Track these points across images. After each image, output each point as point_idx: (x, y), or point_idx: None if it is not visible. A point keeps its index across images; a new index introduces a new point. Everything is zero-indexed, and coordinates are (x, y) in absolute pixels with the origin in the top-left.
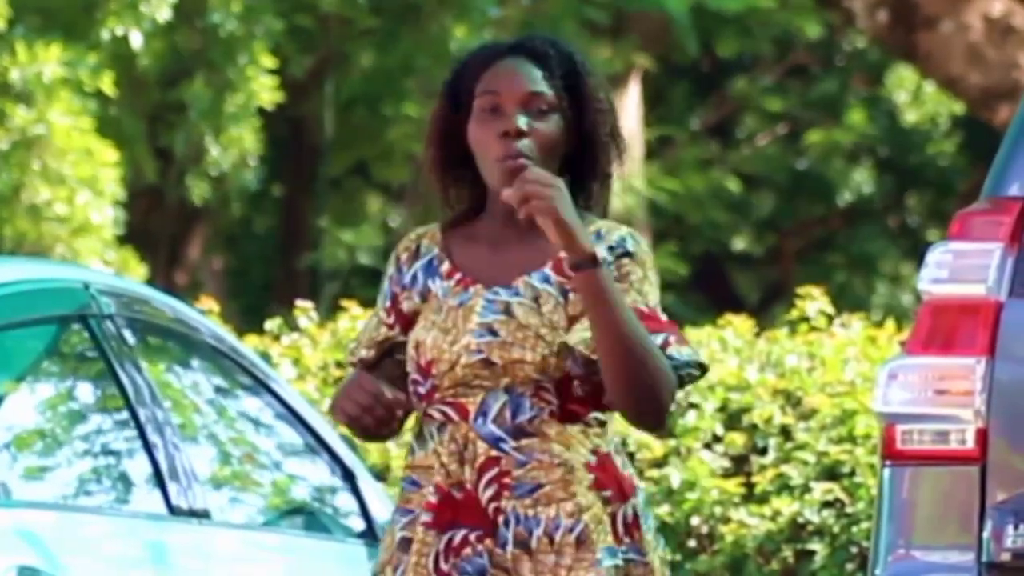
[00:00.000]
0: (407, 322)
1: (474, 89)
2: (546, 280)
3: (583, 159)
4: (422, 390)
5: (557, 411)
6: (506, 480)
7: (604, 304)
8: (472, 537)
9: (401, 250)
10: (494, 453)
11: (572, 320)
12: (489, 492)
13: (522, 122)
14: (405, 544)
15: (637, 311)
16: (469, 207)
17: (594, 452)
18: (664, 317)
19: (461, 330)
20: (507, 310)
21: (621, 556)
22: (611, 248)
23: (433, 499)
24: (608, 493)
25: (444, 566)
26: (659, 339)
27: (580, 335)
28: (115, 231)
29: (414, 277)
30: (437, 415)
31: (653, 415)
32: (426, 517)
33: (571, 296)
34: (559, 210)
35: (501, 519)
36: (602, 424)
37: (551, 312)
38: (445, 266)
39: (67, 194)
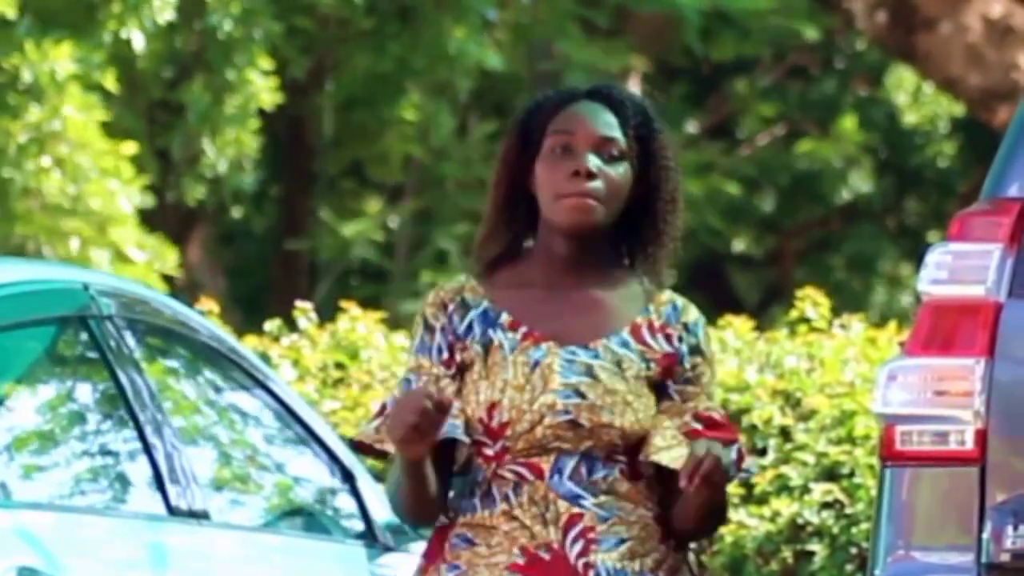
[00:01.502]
0: (461, 372)
1: (546, 128)
2: (625, 345)
3: (644, 214)
4: (489, 452)
5: (627, 469)
6: (591, 535)
7: (712, 501)
8: None
9: (446, 299)
10: (576, 510)
11: (653, 387)
12: (577, 548)
13: (593, 163)
14: None
15: (710, 419)
16: (506, 256)
17: (659, 504)
18: (731, 425)
19: (540, 389)
20: (590, 372)
21: None
22: (687, 329)
23: (520, 560)
24: (673, 542)
25: None
26: (734, 451)
27: (657, 455)
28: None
29: (469, 327)
30: (509, 475)
31: (700, 536)
32: None
33: (652, 366)
34: (729, 470)
35: (592, 573)
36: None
37: (635, 379)
38: (505, 317)
39: (95, 187)
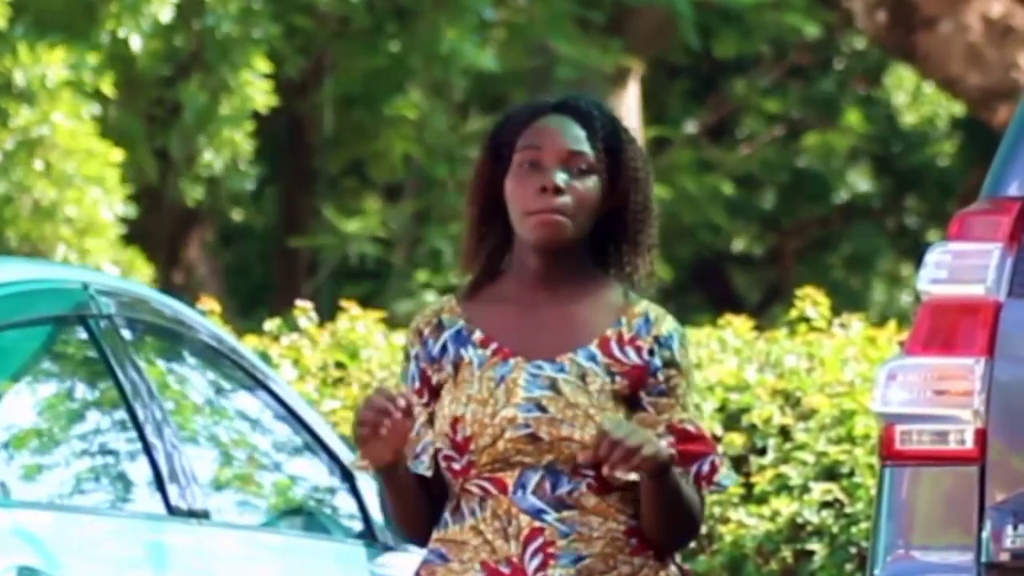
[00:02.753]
0: (437, 396)
1: (515, 143)
2: (592, 359)
3: (615, 222)
4: (457, 466)
5: (594, 483)
6: (551, 550)
7: (669, 495)
8: None
9: (422, 325)
10: (537, 524)
11: (618, 400)
12: (535, 563)
13: (561, 179)
14: None
15: (683, 431)
16: (484, 270)
17: (634, 516)
18: (705, 429)
19: (503, 403)
20: (554, 386)
21: None
22: (658, 343)
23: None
24: (651, 552)
25: None
26: (706, 463)
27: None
28: (120, 231)
29: (443, 348)
30: (475, 490)
31: (678, 547)
32: None
33: (618, 379)
34: (659, 457)
35: None
36: (636, 486)
37: (599, 392)
38: (477, 335)
39: (75, 194)
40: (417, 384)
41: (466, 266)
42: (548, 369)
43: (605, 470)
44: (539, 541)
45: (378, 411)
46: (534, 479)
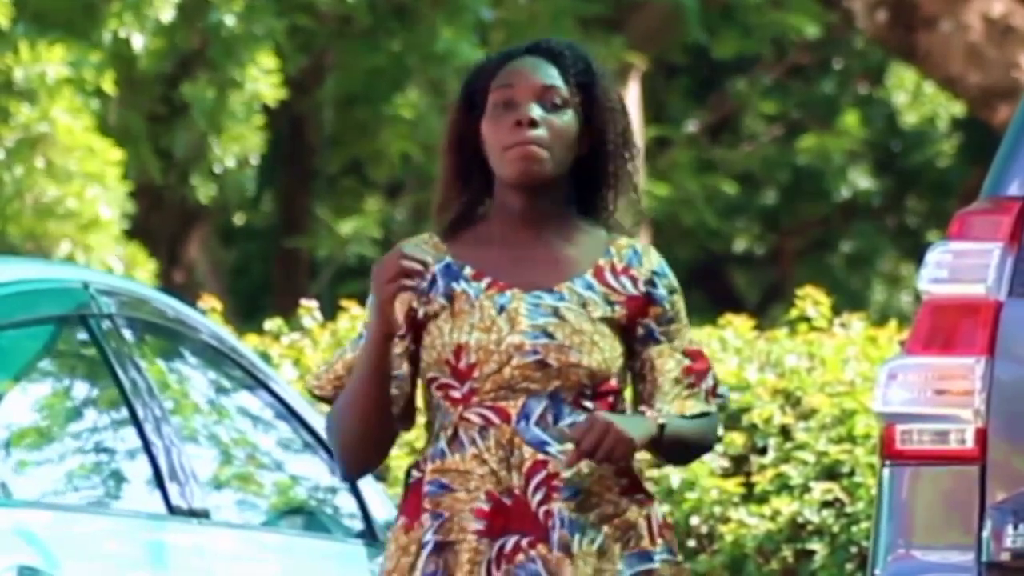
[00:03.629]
0: (418, 329)
1: (489, 88)
2: (589, 287)
3: (594, 163)
4: (456, 394)
5: None
6: (555, 482)
7: (670, 449)
8: (524, 543)
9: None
10: (540, 456)
11: (618, 329)
12: (539, 496)
13: (536, 112)
14: (440, 549)
15: (695, 352)
16: (463, 212)
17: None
18: (702, 352)
19: (507, 330)
20: (557, 313)
21: (657, 558)
22: (656, 273)
23: (485, 506)
24: (640, 496)
25: (496, 573)
26: (710, 379)
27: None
28: (123, 226)
29: (433, 280)
30: (476, 419)
31: (692, 460)
32: (477, 525)
33: (616, 307)
34: (632, 444)
35: (550, 522)
36: None
37: (600, 320)
38: (468, 270)
39: (76, 190)
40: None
41: (439, 214)
42: (548, 299)
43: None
44: (542, 474)
45: (404, 270)
46: (537, 409)
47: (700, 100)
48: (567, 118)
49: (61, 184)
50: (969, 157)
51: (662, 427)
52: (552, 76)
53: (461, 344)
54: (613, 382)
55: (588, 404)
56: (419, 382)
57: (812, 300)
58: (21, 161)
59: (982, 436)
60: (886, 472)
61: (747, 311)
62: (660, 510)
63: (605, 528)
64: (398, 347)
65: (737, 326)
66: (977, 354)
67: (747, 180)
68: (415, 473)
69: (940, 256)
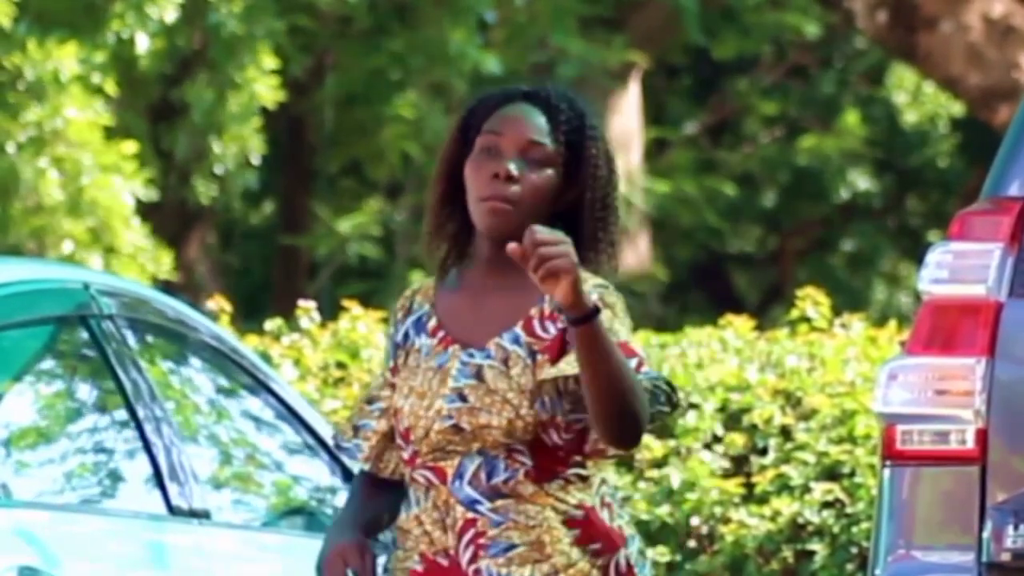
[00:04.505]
0: None
1: (481, 126)
2: (516, 341)
3: (573, 219)
4: (405, 455)
5: (532, 471)
6: (481, 540)
7: (601, 350)
8: None
9: (398, 307)
10: (470, 515)
11: (539, 382)
12: (468, 554)
13: (514, 167)
14: None
15: (619, 343)
16: (450, 256)
17: (579, 507)
18: (637, 347)
19: (435, 394)
20: (478, 374)
21: None
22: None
23: (419, 567)
24: (596, 546)
25: None
26: (633, 362)
27: (550, 370)
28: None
29: (406, 335)
30: (421, 479)
31: (632, 435)
32: None
33: (539, 358)
34: (575, 270)
35: None
36: (584, 479)
37: (519, 375)
38: (432, 323)
39: (98, 182)
40: (391, 363)
41: (427, 248)
42: (477, 356)
43: (534, 273)
44: (471, 532)
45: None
46: (471, 468)
47: (700, 100)
48: (546, 175)
49: (78, 179)
50: (969, 158)
51: (596, 310)
52: (541, 131)
53: (399, 408)
54: (551, 432)
55: (525, 460)
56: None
57: (812, 300)
58: (30, 159)
59: (982, 436)
60: (886, 472)
61: (747, 312)
62: (625, 553)
63: None
64: (383, 401)
65: (737, 327)
66: (977, 354)
67: (747, 180)
68: None
69: (940, 256)
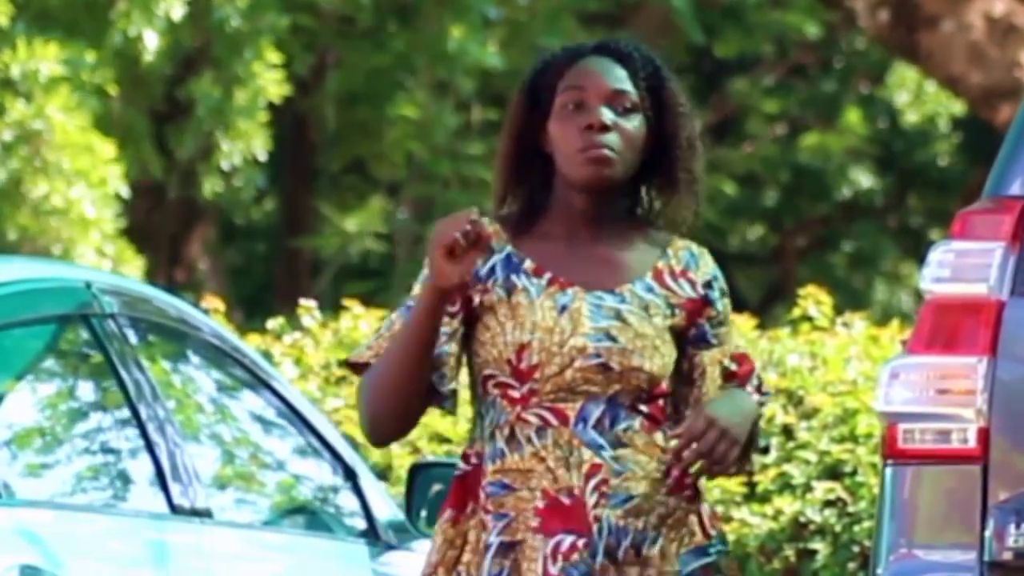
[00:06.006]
0: (471, 316)
1: (556, 87)
2: (650, 290)
3: (661, 165)
4: (516, 394)
5: (647, 422)
6: (604, 489)
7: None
8: (580, 544)
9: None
10: (597, 460)
11: (674, 333)
12: (592, 499)
13: (607, 116)
14: (505, 549)
15: (742, 356)
16: (525, 208)
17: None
18: (749, 356)
19: (569, 332)
20: (619, 316)
21: (713, 552)
22: (713, 278)
23: (541, 504)
24: (688, 492)
25: (552, 569)
26: (755, 379)
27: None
28: (115, 225)
29: (492, 270)
30: (533, 419)
31: (737, 469)
32: (533, 522)
33: (676, 311)
34: (736, 451)
35: (596, 527)
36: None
37: (661, 323)
38: (529, 263)
39: (63, 187)
40: (459, 302)
41: (497, 205)
42: (610, 300)
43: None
44: (598, 477)
45: (461, 229)
46: (595, 413)
47: (702, 100)
48: (637, 123)
49: (52, 181)
50: (971, 156)
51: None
52: (622, 79)
53: (523, 344)
54: (664, 385)
55: (643, 408)
56: (464, 370)
57: (814, 299)
58: (15, 157)
59: (984, 436)
60: (888, 471)
61: (749, 310)
62: (709, 504)
63: (663, 530)
64: (447, 325)
65: (739, 325)
66: (979, 354)
67: (749, 179)
68: (462, 465)
69: (942, 255)
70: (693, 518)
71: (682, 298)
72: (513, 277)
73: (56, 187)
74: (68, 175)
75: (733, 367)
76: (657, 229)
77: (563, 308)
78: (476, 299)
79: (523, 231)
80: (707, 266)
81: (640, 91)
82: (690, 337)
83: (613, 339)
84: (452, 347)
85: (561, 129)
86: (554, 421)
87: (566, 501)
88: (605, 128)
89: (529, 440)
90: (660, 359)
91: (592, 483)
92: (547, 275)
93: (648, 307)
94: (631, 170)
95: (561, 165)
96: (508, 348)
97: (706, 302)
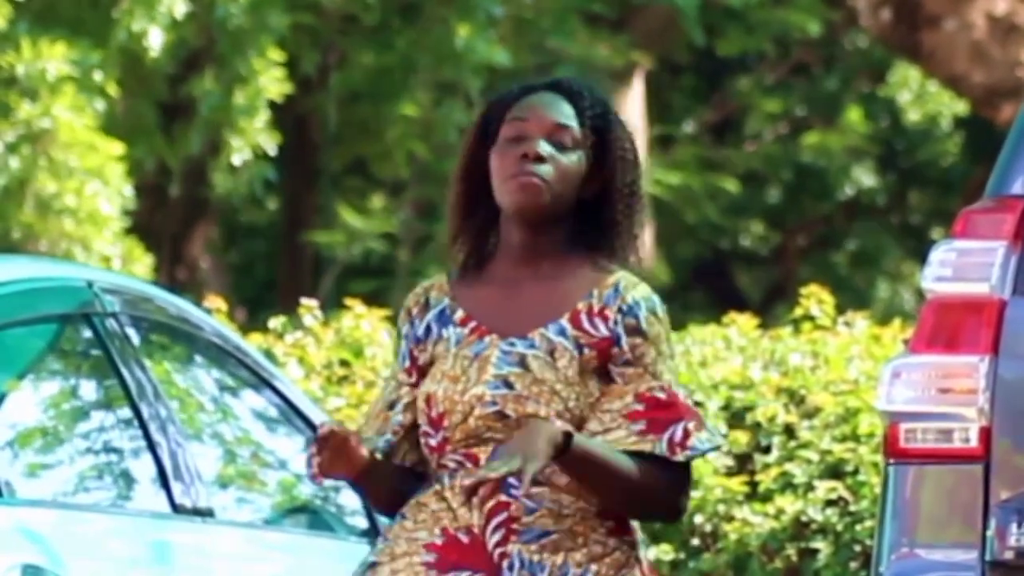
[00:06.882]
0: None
1: (503, 119)
2: (562, 333)
3: (601, 205)
4: (433, 442)
5: None
6: (514, 526)
7: (590, 467)
8: None
9: (411, 304)
10: (503, 498)
11: (586, 373)
12: (496, 537)
13: (544, 148)
14: (372, 568)
15: (651, 399)
16: (473, 254)
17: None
18: (682, 396)
19: (474, 380)
20: (522, 362)
21: None
22: (622, 312)
23: (438, 541)
24: (628, 538)
25: None
26: (679, 429)
27: (601, 439)
28: (122, 223)
29: (427, 328)
30: (451, 464)
31: (660, 520)
32: (428, 557)
33: (586, 351)
34: (535, 471)
35: (506, 563)
36: None
37: (566, 367)
38: (458, 314)
39: (75, 185)
40: (407, 363)
41: (451, 246)
42: (520, 345)
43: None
44: (503, 515)
45: (319, 446)
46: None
47: (704, 98)
48: (575, 159)
49: (61, 180)
50: (973, 155)
51: (568, 436)
52: (566, 115)
53: (431, 393)
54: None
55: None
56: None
57: (816, 298)
58: (21, 156)
59: (986, 435)
60: (890, 471)
61: (751, 309)
62: (646, 553)
63: (593, 567)
64: (406, 397)
65: (741, 324)
66: (981, 353)
67: (751, 178)
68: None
69: (944, 254)
70: (633, 562)
71: (594, 338)
72: (443, 330)
73: (67, 186)
74: (78, 174)
75: (637, 407)
76: (603, 260)
77: (475, 356)
78: (420, 359)
79: (470, 274)
80: (627, 297)
81: (584, 128)
82: (601, 375)
83: (510, 386)
84: (406, 417)
85: (499, 158)
86: (468, 464)
87: (464, 539)
88: (540, 159)
89: (439, 480)
90: (560, 403)
91: (495, 520)
92: (471, 324)
93: (554, 351)
94: (563, 203)
95: (496, 194)
96: (421, 398)
97: (612, 339)
